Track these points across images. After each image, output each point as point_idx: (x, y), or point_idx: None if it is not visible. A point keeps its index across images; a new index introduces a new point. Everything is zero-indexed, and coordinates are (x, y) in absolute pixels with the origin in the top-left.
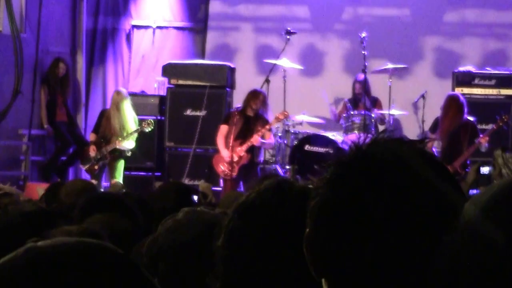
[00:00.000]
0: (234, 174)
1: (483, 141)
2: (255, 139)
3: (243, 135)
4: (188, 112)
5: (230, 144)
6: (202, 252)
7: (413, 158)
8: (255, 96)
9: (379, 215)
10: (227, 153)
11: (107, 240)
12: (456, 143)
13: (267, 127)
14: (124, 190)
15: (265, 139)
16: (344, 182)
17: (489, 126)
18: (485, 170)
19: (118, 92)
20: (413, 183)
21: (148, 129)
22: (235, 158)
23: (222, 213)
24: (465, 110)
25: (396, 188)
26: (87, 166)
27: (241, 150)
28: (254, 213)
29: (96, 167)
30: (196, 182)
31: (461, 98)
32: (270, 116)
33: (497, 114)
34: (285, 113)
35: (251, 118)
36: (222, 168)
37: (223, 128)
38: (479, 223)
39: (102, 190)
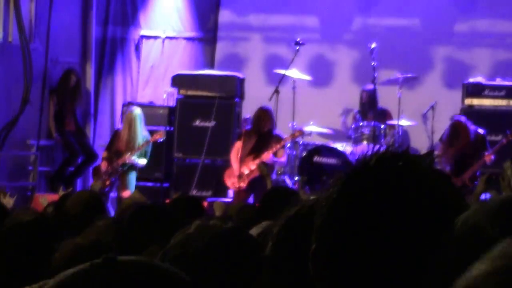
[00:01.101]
0: (243, 185)
1: (488, 159)
2: (266, 156)
3: (256, 151)
4: (197, 122)
5: (243, 158)
6: (211, 266)
7: (419, 172)
8: (262, 113)
9: (384, 232)
10: (237, 166)
11: (118, 252)
12: (465, 156)
13: (282, 143)
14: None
15: (278, 156)
16: (349, 198)
17: (499, 137)
18: (494, 181)
19: (132, 111)
20: (419, 199)
21: (160, 140)
22: (246, 171)
23: (234, 227)
24: (470, 131)
25: (402, 205)
26: (98, 183)
27: (253, 163)
28: (300, 224)
29: (107, 182)
30: (204, 193)
31: (467, 124)
32: (278, 130)
33: (507, 127)
34: (301, 132)
35: (265, 135)
36: (232, 181)
37: (238, 145)
38: (483, 224)
39: (109, 204)
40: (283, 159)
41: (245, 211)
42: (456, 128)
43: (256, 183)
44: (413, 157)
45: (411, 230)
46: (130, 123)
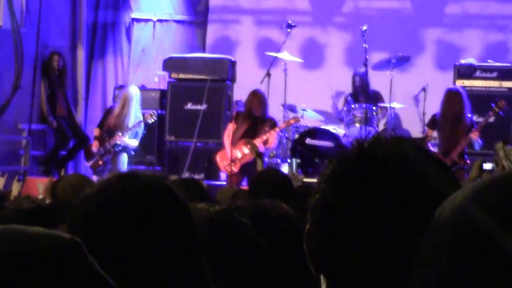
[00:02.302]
0: (235, 170)
1: (474, 137)
2: (258, 143)
3: (249, 135)
4: (189, 106)
5: (235, 142)
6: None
7: (414, 156)
8: (254, 97)
9: (379, 213)
10: (230, 150)
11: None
12: (453, 134)
13: (276, 129)
14: None
15: (269, 142)
16: (345, 180)
17: (491, 119)
18: (488, 166)
19: (129, 90)
20: (415, 181)
21: (150, 121)
22: (239, 155)
23: (222, 210)
24: (465, 102)
25: (397, 187)
26: (91, 163)
27: (246, 147)
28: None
29: (100, 162)
30: (196, 176)
31: (460, 92)
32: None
33: (493, 102)
34: (296, 118)
35: (259, 119)
36: (224, 164)
37: (231, 127)
38: (467, 206)
39: None
40: (273, 145)
41: (239, 195)
42: (449, 94)
43: (248, 167)
44: (406, 140)
45: (404, 211)
46: (125, 101)
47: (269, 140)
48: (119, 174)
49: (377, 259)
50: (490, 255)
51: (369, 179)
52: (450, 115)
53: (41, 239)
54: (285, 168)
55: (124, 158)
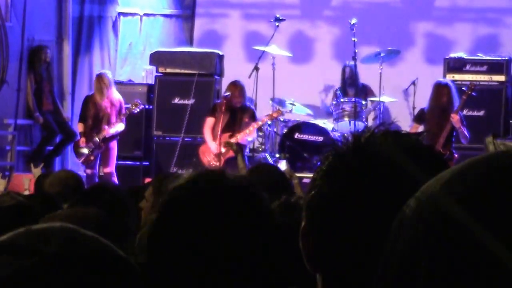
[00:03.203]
0: (220, 164)
1: (453, 119)
2: (242, 138)
3: (230, 127)
4: (176, 100)
5: (218, 136)
6: None
7: (412, 152)
8: (236, 88)
9: (375, 210)
10: (215, 146)
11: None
12: (439, 127)
13: (259, 123)
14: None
15: (249, 135)
16: (340, 175)
17: (481, 113)
18: None
19: (104, 74)
20: (410, 179)
21: (136, 110)
22: (222, 150)
23: None
24: (453, 96)
25: (393, 184)
26: (82, 159)
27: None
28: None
29: (92, 157)
30: (184, 171)
31: (449, 85)
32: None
33: (488, 102)
34: (279, 111)
35: (238, 110)
36: (208, 158)
37: (209, 121)
38: (438, 196)
39: (96, 179)
40: (253, 136)
41: None
42: (437, 87)
43: (232, 161)
44: (402, 135)
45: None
46: (106, 88)
47: (249, 130)
48: (204, 173)
49: (375, 258)
50: (460, 244)
51: (367, 176)
52: (438, 108)
53: (96, 245)
54: (282, 165)
55: (114, 146)
